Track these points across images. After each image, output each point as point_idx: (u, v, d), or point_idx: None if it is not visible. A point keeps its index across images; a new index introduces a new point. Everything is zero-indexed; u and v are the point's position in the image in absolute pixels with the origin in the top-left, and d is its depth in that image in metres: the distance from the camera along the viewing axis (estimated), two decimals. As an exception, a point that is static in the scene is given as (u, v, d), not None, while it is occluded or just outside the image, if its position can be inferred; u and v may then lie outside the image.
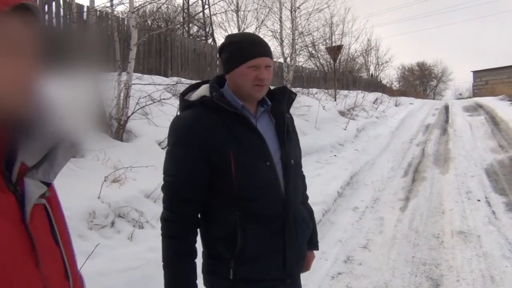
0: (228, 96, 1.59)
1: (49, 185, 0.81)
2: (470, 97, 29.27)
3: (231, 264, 1.54)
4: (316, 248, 1.90)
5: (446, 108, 18.29)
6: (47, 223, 0.82)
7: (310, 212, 1.88)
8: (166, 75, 9.79)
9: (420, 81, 44.74)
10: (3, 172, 0.73)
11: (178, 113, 1.72)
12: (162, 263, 1.55)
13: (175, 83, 7.54)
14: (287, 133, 1.65)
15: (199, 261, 1.60)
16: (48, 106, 0.76)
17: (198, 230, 1.62)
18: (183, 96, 1.67)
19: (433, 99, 34.67)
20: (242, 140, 1.54)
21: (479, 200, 5.55)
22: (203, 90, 1.63)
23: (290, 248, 1.59)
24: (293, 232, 1.60)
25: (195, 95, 1.63)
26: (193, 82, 1.79)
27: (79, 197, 3.71)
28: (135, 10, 6.28)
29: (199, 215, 1.61)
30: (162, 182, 1.58)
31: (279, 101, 1.69)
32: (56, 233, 0.83)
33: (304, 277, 1.94)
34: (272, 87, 1.75)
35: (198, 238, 1.61)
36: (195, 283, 1.55)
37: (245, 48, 1.56)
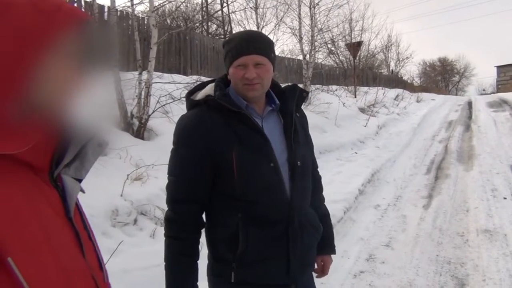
0: (233, 96, 1.56)
1: (80, 181, 0.84)
2: (493, 93, 28.63)
3: (233, 267, 1.50)
4: (333, 252, 1.85)
5: (469, 104, 17.93)
6: (80, 218, 0.86)
7: (325, 215, 1.83)
8: (185, 74, 9.85)
9: (442, 77, 44.01)
10: (52, 168, 0.77)
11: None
12: (164, 263, 1.54)
13: (194, 81, 7.57)
14: (294, 134, 1.59)
15: (204, 262, 1.59)
16: (80, 105, 0.78)
17: (203, 231, 1.60)
18: (189, 95, 1.64)
19: (456, 95, 34.06)
20: (245, 140, 1.50)
21: (505, 198, 5.41)
22: (209, 89, 1.60)
23: (295, 252, 1.54)
24: (297, 236, 1.55)
25: (200, 95, 1.60)
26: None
27: (102, 195, 3.76)
28: (155, 9, 6.33)
29: (203, 216, 1.59)
30: (167, 181, 1.57)
31: (289, 100, 1.63)
32: (88, 227, 0.87)
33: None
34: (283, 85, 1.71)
35: (203, 240, 1.59)
36: (195, 284, 1.52)
37: (233, 47, 1.51)
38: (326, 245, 1.79)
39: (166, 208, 1.60)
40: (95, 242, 0.88)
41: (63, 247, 0.72)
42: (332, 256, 1.87)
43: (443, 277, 3.50)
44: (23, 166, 0.70)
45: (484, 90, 40.86)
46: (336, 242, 1.89)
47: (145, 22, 8.85)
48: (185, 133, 1.53)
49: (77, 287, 0.72)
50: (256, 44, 1.51)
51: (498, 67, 33.25)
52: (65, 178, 0.80)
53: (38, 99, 0.69)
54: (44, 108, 0.70)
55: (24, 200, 0.67)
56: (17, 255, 0.62)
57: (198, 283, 1.55)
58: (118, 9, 7.21)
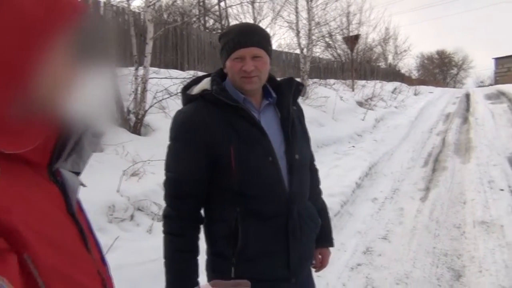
0: (229, 90, 1.55)
1: (79, 174, 0.84)
2: (491, 85, 28.63)
3: (233, 262, 1.50)
4: (331, 244, 1.85)
5: (467, 96, 17.94)
6: (80, 212, 0.85)
7: (322, 208, 1.83)
8: (182, 69, 9.82)
9: (440, 70, 43.98)
10: (51, 163, 0.76)
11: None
12: (163, 260, 1.53)
13: (191, 76, 7.55)
14: (292, 127, 1.58)
15: (203, 258, 1.58)
16: (77, 99, 0.78)
17: (202, 226, 1.59)
18: (185, 90, 1.63)
19: (454, 87, 34.05)
20: (243, 134, 1.49)
21: (502, 190, 5.43)
22: (205, 83, 1.59)
23: (294, 246, 1.54)
24: (297, 230, 1.54)
25: (196, 89, 1.59)
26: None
27: (99, 191, 3.76)
28: (150, 4, 6.30)
29: (201, 212, 1.58)
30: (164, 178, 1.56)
31: (285, 93, 1.63)
32: (89, 221, 0.87)
33: (322, 268, 1.93)
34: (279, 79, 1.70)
35: (202, 235, 1.58)
36: (195, 280, 1.51)
37: (230, 40, 1.51)
38: (324, 238, 1.79)
39: (163, 203, 1.59)
40: (95, 235, 0.88)
41: (69, 243, 0.72)
42: (330, 249, 1.87)
43: (440, 269, 3.52)
44: (22, 163, 0.69)
45: (482, 82, 40.86)
46: (333, 235, 1.89)
47: (141, 17, 8.82)
48: (181, 128, 1.52)
49: (86, 283, 0.72)
50: (253, 36, 1.51)
51: (496, 59, 33.22)
52: (64, 172, 0.79)
53: (39, 95, 0.68)
54: (45, 104, 0.69)
55: (32, 197, 0.67)
56: (34, 252, 0.61)
57: (198, 279, 1.54)
58: (114, 5, 7.17)
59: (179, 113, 1.56)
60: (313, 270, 1.80)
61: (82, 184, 0.84)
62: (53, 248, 0.66)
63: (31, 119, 0.68)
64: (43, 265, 0.62)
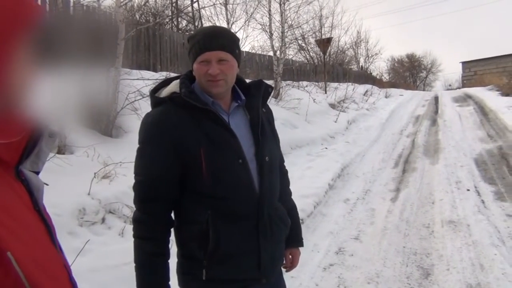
0: (198, 92, 1.55)
1: (37, 174, 0.85)
2: (459, 88, 29.46)
3: (204, 264, 1.50)
4: (301, 244, 1.86)
5: (436, 99, 18.40)
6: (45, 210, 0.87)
7: (293, 208, 1.84)
8: (155, 70, 9.73)
9: (409, 73, 44.89)
10: (19, 163, 0.78)
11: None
12: (134, 264, 1.52)
13: (164, 77, 7.48)
14: (261, 129, 1.59)
15: (174, 261, 1.58)
16: (33, 98, 0.79)
17: (172, 229, 1.58)
18: (153, 92, 1.62)
19: (423, 90, 34.85)
20: (213, 137, 1.49)
21: (468, 190, 5.60)
22: (174, 86, 1.58)
23: (265, 247, 1.55)
24: (267, 231, 1.56)
25: (165, 92, 1.58)
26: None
27: (69, 194, 3.68)
28: (122, 4, 6.21)
29: (172, 215, 1.58)
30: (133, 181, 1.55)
31: (254, 96, 1.64)
32: (51, 220, 0.88)
33: (296, 269, 1.94)
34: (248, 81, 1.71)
35: (172, 238, 1.58)
36: (167, 284, 1.51)
37: (196, 43, 1.51)
38: (294, 238, 1.81)
39: (134, 206, 1.58)
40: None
41: (39, 238, 0.74)
42: (302, 249, 1.89)
43: (410, 267, 3.60)
44: None
45: (450, 85, 41.93)
46: (306, 236, 1.91)
47: (113, 17, 8.68)
48: (150, 131, 1.51)
49: (59, 278, 0.75)
50: (219, 40, 1.51)
51: (463, 63, 34.15)
52: (26, 172, 0.81)
53: (10, 94, 0.69)
54: (16, 103, 0.71)
55: (7, 195, 0.69)
56: (15, 250, 0.63)
57: (169, 282, 1.54)
58: (84, 4, 7.05)
59: (147, 116, 1.55)
60: (283, 270, 1.82)
61: (45, 183, 0.86)
62: (26, 242, 0.68)
63: (8, 115, 0.70)
64: (23, 260, 0.64)
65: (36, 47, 0.74)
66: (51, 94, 0.80)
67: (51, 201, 3.27)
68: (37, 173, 0.85)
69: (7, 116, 0.70)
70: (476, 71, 31.83)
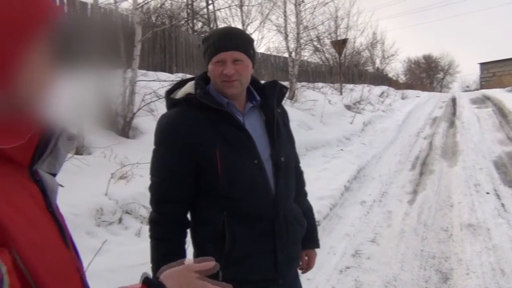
0: (213, 93, 1.55)
1: (55, 176, 0.85)
2: (477, 89, 29.02)
3: (220, 265, 1.50)
4: (317, 246, 1.85)
5: (453, 100, 18.15)
6: (58, 211, 0.87)
7: (308, 209, 1.83)
8: (171, 72, 9.78)
9: (426, 74, 44.40)
10: (32, 163, 0.78)
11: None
12: (150, 265, 1.52)
13: (180, 79, 7.51)
14: (277, 129, 1.59)
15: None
16: (57, 100, 0.80)
17: (188, 230, 1.58)
18: (169, 94, 1.62)
19: (440, 91, 34.42)
20: (228, 138, 1.49)
21: (488, 193, 5.50)
22: (189, 87, 1.58)
23: (281, 248, 1.54)
24: (283, 232, 1.55)
25: (180, 93, 1.59)
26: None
27: (87, 194, 3.72)
28: (138, 6, 6.27)
29: (188, 216, 1.58)
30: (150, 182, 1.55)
31: (269, 96, 1.63)
32: (64, 220, 0.88)
33: (312, 271, 1.93)
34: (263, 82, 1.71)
35: (188, 239, 1.58)
36: None
37: (211, 44, 1.51)
38: (310, 240, 1.80)
39: (151, 207, 1.58)
40: (70, 235, 0.89)
41: (50, 239, 0.73)
42: (318, 251, 1.88)
43: (428, 271, 3.54)
44: (6, 161, 0.70)
45: (467, 86, 41.34)
46: (322, 238, 1.90)
47: (129, 19, 8.77)
48: (166, 133, 1.52)
49: (70, 280, 0.74)
50: (234, 40, 1.51)
51: (481, 64, 33.67)
52: (41, 173, 0.81)
53: (22, 93, 0.70)
54: (28, 103, 0.71)
55: (15, 194, 0.69)
56: (21, 247, 0.63)
57: None
58: (101, 7, 7.13)
59: (163, 117, 1.56)
60: (299, 272, 1.81)
61: (60, 185, 0.85)
62: (35, 242, 0.67)
63: (16, 117, 0.69)
64: (29, 259, 0.64)
65: (53, 48, 0.74)
66: (69, 95, 0.80)
67: (69, 202, 3.31)
68: (54, 175, 0.85)
69: (15, 118, 0.70)
70: (494, 72, 31.35)
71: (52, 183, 0.81)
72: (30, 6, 0.70)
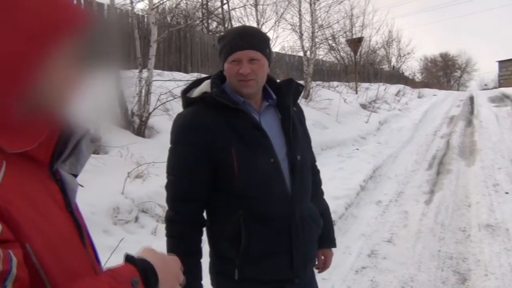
0: (229, 92, 1.55)
1: (76, 176, 0.87)
2: (495, 88, 28.53)
3: (236, 264, 1.49)
4: (334, 245, 1.84)
5: (471, 99, 17.86)
6: (77, 211, 0.88)
7: (325, 208, 1.82)
8: (186, 71, 9.84)
9: (443, 72, 43.84)
10: (52, 162, 0.80)
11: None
12: None
13: (195, 78, 7.55)
14: (293, 128, 1.58)
15: (206, 260, 1.58)
16: (80, 102, 0.80)
17: (204, 229, 1.59)
18: (185, 93, 1.63)
19: (457, 90, 33.93)
20: (244, 136, 1.49)
21: (507, 193, 5.39)
22: (205, 86, 1.59)
23: (297, 247, 1.54)
24: (299, 231, 1.54)
25: (196, 92, 1.59)
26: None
27: (103, 193, 3.77)
28: (154, 7, 6.32)
29: (204, 214, 1.58)
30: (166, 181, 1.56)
31: (285, 95, 1.62)
32: (83, 220, 0.89)
33: (327, 271, 1.92)
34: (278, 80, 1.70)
35: (204, 238, 1.58)
36: (199, 283, 1.52)
37: (227, 43, 1.51)
38: (327, 239, 1.79)
39: (167, 206, 1.59)
40: (90, 235, 0.90)
41: (66, 238, 0.75)
42: (334, 251, 1.86)
43: (445, 272, 3.50)
44: (27, 160, 0.72)
45: (486, 85, 40.66)
46: (338, 238, 1.88)
47: (145, 20, 8.84)
48: (182, 131, 1.52)
49: (81, 275, 0.75)
50: (250, 39, 1.51)
51: (500, 62, 33.09)
52: (62, 173, 0.82)
53: (43, 96, 0.71)
54: (48, 105, 0.72)
55: (34, 191, 0.71)
56: (34, 243, 0.65)
57: (201, 282, 1.54)
58: (118, 7, 7.20)
59: (179, 116, 1.57)
60: (316, 271, 1.80)
61: (80, 185, 0.87)
62: (50, 240, 0.69)
63: (34, 118, 0.71)
64: (43, 255, 0.66)
65: (78, 52, 0.75)
66: (93, 97, 0.81)
67: (86, 200, 3.35)
68: (75, 175, 0.87)
69: (36, 118, 0.71)
70: (513, 70, 30.76)
71: (73, 183, 0.83)
72: (59, 12, 0.72)
